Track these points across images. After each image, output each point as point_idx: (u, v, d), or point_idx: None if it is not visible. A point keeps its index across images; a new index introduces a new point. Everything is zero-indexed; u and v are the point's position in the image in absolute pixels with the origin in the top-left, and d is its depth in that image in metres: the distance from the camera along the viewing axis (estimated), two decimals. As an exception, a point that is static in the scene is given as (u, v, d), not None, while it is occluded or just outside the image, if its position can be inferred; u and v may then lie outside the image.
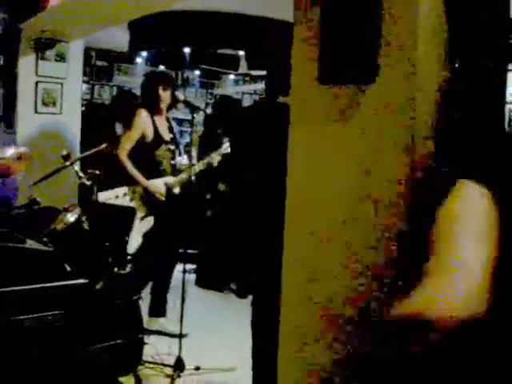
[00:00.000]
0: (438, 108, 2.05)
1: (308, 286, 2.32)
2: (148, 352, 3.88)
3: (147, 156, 4.68)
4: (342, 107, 2.20)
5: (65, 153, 4.16)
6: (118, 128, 6.27)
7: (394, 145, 2.01)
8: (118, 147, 4.58)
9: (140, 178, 4.61)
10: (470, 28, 2.11)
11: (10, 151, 4.34)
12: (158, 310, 4.75)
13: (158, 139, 4.74)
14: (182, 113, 9.69)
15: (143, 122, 4.66)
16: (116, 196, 4.47)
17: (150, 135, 4.68)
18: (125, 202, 4.49)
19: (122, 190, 4.52)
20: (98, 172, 4.24)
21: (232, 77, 10.91)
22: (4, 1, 6.20)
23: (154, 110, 4.74)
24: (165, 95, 4.76)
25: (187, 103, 4.28)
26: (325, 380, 2.24)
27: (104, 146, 4.81)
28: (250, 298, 3.54)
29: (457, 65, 2.11)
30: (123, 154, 4.59)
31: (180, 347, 3.78)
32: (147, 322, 4.39)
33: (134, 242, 4.38)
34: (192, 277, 6.28)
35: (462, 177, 1.23)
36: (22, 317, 2.27)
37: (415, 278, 1.18)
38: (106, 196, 4.36)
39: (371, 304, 2.08)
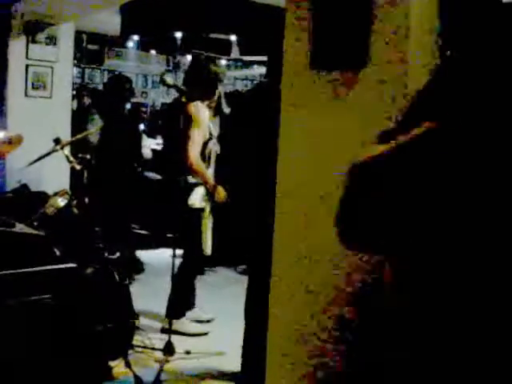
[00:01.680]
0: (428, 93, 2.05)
1: (299, 267, 2.33)
2: (138, 336, 3.90)
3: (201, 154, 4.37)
4: (334, 92, 2.19)
5: (55, 137, 4.14)
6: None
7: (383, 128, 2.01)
8: (188, 156, 4.19)
9: (211, 180, 4.33)
10: (461, 15, 2.10)
11: (0, 134, 4.33)
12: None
13: (210, 134, 4.44)
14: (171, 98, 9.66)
15: (206, 117, 4.35)
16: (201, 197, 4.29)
17: (207, 131, 4.39)
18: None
19: (200, 191, 4.35)
20: (88, 156, 4.24)
21: (224, 62, 10.86)
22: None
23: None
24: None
25: (177, 87, 4.25)
26: (316, 365, 2.25)
27: (94, 130, 4.80)
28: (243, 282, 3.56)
29: (448, 52, 2.11)
30: (197, 161, 4.25)
31: (170, 331, 3.79)
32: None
33: (209, 240, 4.29)
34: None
35: None
36: (11, 300, 2.27)
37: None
38: (198, 199, 4.21)
39: (366, 284, 2.09)
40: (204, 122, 4.32)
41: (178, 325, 4.34)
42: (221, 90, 4.67)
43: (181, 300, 4.51)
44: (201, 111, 4.31)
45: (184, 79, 4.75)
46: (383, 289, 1.60)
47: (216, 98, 4.63)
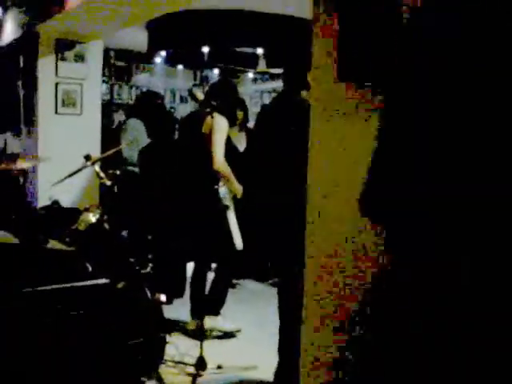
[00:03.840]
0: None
1: (330, 264, 2.32)
2: (170, 351, 3.90)
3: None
4: (361, 104, 2.18)
5: (86, 153, 4.18)
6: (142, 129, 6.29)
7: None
8: (214, 158, 4.39)
9: (235, 181, 4.54)
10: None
11: (18, 164, 4.39)
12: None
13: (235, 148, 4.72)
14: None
15: (226, 126, 4.54)
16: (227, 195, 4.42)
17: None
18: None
19: (225, 189, 4.46)
20: (118, 172, 4.26)
21: (251, 75, 10.90)
22: (23, 2, 6.26)
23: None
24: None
25: (207, 102, 4.27)
26: (341, 358, 2.23)
27: (123, 146, 4.84)
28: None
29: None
30: (223, 163, 4.44)
31: (201, 346, 3.78)
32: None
33: (238, 234, 4.35)
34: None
35: None
36: (43, 316, 2.29)
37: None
38: (227, 196, 4.33)
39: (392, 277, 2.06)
40: (225, 129, 4.48)
41: (212, 323, 4.52)
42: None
43: (218, 297, 4.68)
44: (221, 120, 4.47)
45: (210, 97, 4.83)
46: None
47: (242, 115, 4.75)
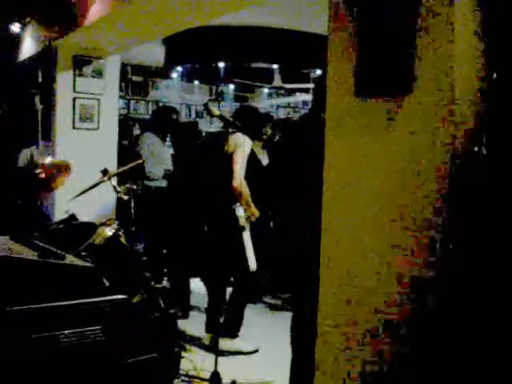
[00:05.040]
0: (476, 119, 2.03)
1: (344, 286, 2.31)
2: (184, 366, 3.90)
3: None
4: (379, 119, 2.19)
5: (103, 168, 4.21)
6: (158, 143, 6.33)
7: (431, 157, 2.00)
8: (235, 178, 4.46)
9: (252, 204, 4.60)
10: (507, 40, 2.08)
11: (48, 160, 4.42)
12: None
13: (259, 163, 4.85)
14: (216, 127, 9.76)
15: (249, 147, 4.63)
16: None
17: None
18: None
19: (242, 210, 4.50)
20: (134, 187, 4.29)
21: (266, 90, 10.93)
22: (42, 18, 6.33)
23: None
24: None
25: (222, 118, 4.29)
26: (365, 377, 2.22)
27: (141, 161, 4.87)
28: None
29: (494, 76, 2.09)
30: (243, 184, 4.50)
31: (216, 361, 3.78)
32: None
33: (252, 256, 4.38)
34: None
35: None
36: (60, 332, 2.30)
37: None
38: (243, 216, 4.37)
39: (406, 303, 2.06)
40: (247, 151, 4.56)
41: (229, 345, 4.52)
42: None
43: (234, 319, 4.67)
44: (245, 141, 4.56)
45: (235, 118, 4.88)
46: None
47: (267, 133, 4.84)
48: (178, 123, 6.67)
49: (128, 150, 6.47)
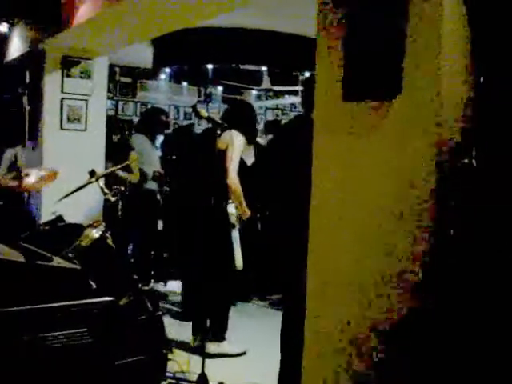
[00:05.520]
0: (462, 121, 2.04)
1: (332, 287, 2.32)
2: (172, 368, 3.89)
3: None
4: (366, 123, 2.20)
5: (90, 169, 4.20)
6: (148, 145, 6.34)
7: (419, 157, 2.01)
8: (228, 175, 4.45)
9: (244, 202, 4.58)
10: (493, 45, 2.10)
11: (33, 176, 4.42)
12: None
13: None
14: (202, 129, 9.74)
15: (242, 144, 4.61)
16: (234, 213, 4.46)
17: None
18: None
19: (233, 207, 4.49)
20: (122, 188, 4.28)
21: (255, 92, 10.93)
22: (30, 18, 6.31)
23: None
24: None
25: (210, 119, 4.29)
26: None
27: (128, 162, 4.86)
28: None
29: (481, 80, 2.10)
30: (236, 181, 4.49)
31: (203, 363, 3.77)
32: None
33: (239, 255, 4.36)
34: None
35: None
36: (47, 334, 2.29)
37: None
38: (234, 213, 4.37)
39: (396, 306, 2.07)
40: (240, 148, 4.55)
41: (217, 349, 4.50)
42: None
43: (220, 321, 4.64)
44: (237, 137, 4.54)
45: (225, 117, 4.85)
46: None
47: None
48: (167, 125, 6.69)
49: (118, 146, 6.43)
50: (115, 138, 6.23)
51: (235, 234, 4.31)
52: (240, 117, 4.75)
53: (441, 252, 1.96)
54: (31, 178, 4.45)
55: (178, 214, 5.72)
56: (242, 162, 4.69)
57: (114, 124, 6.95)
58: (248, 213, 4.60)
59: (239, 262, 4.31)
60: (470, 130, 2.05)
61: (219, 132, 4.21)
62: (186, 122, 10.72)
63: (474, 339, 1.98)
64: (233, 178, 4.46)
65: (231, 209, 4.34)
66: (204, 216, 4.52)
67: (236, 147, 4.49)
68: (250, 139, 4.75)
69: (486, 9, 2.06)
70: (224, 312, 4.68)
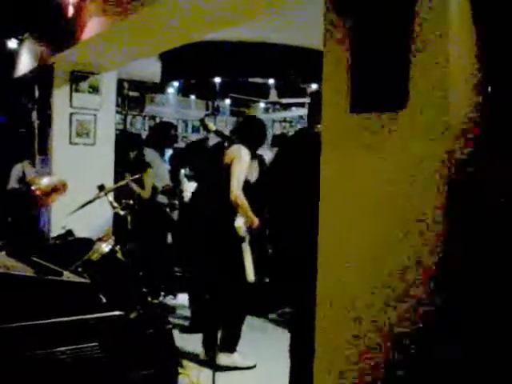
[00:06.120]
0: (470, 132, 2.04)
1: (342, 301, 2.31)
2: (182, 382, 3.87)
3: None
4: (374, 135, 2.20)
5: (99, 183, 4.22)
6: (157, 158, 6.35)
7: (427, 170, 2.01)
8: (233, 191, 4.41)
9: (252, 214, 4.52)
10: (501, 54, 2.10)
11: (45, 181, 4.44)
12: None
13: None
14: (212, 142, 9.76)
15: (248, 159, 4.57)
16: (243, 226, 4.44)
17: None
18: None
19: (242, 220, 4.47)
20: (131, 202, 4.29)
21: (262, 105, 10.96)
22: (39, 34, 6.36)
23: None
24: None
25: (219, 133, 4.32)
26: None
27: (137, 176, 4.88)
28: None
29: (489, 89, 2.10)
30: (241, 196, 4.44)
31: (214, 376, 3.76)
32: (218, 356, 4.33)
33: (251, 268, 4.34)
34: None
35: None
36: (57, 349, 2.29)
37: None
38: (242, 227, 4.35)
39: (404, 318, 2.06)
40: (246, 162, 4.51)
41: (227, 360, 4.48)
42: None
43: (232, 333, 4.63)
44: (242, 151, 4.50)
45: (236, 132, 4.86)
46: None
47: None
48: (175, 138, 6.72)
49: (136, 163, 6.39)
50: (132, 154, 6.15)
51: (245, 247, 4.30)
52: (249, 132, 4.74)
53: (449, 265, 1.95)
54: (43, 180, 4.46)
55: (189, 228, 5.72)
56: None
57: (130, 140, 6.85)
58: (256, 221, 4.54)
59: (251, 275, 4.30)
60: (479, 139, 2.05)
61: (226, 145, 4.22)
62: (194, 136, 10.75)
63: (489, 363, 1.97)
64: (235, 195, 4.41)
65: (239, 222, 4.32)
66: (213, 230, 4.53)
67: (242, 162, 4.47)
68: (252, 154, 4.73)
69: (493, 17, 2.07)
70: (237, 325, 4.67)
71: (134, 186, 5.64)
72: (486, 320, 1.99)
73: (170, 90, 9.87)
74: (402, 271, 2.07)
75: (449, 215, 1.95)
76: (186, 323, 5.66)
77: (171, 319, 5.45)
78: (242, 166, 4.48)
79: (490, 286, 2.01)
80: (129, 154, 6.18)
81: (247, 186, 4.57)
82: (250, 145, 4.54)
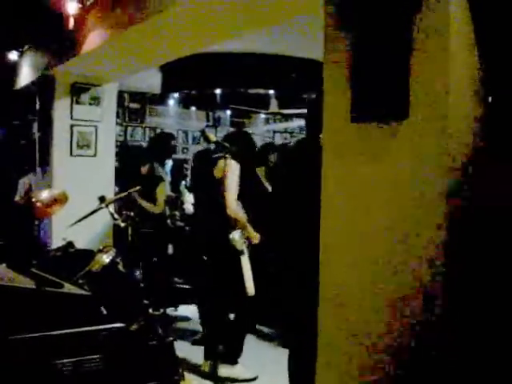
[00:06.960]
0: (471, 142, 2.04)
1: (344, 315, 2.30)
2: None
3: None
4: (375, 145, 2.20)
5: (100, 195, 4.22)
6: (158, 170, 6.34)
7: (430, 179, 2.00)
8: (227, 202, 4.38)
9: (248, 225, 4.52)
10: (502, 63, 2.10)
11: (45, 195, 4.44)
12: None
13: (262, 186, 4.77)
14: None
15: (238, 170, 4.54)
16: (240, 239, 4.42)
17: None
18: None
19: (239, 233, 4.45)
20: (132, 213, 4.29)
21: (263, 116, 10.98)
22: (40, 46, 6.38)
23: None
24: None
25: (219, 144, 4.31)
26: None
27: (138, 187, 4.87)
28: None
29: (490, 99, 2.10)
30: (235, 207, 4.42)
31: (217, 378, 3.74)
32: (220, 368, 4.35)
33: (251, 281, 4.33)
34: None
35: None
36: (58, 361, 2.28)
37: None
38: (239, 240, 4.34)
39: (405, 332, 2.05)
40: (237, 173, 4.47)
41: (229, 372, 4.45)
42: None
43: (234, 345, 4.60)
44: (232, 165, 4.48)
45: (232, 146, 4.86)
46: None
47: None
48: (174, 150, 6.71)
49: (148, 178, 6.30)
50: (144, 170, 6.01)
51: (244, 261, 4.28)
52: (237, 145, 4.71)
53: (450, 267, 1.95)
54: (43, 194, 4.47)
55: (189, 242, 5.71)
56: (263, 189, 4.69)
57: (144, 155, 6.64)
58: (256, 236, 4.55)
59: (251, 288, 4.28)
60: (480, 149, 2.05)
61: (218, 155, 4.21)
62: (194, 147, 10.76)
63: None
64: (233, 209, 4.39)
65: (235, 235, 4.30)
66: (209, 243, 4.52)
67: (233, 175, 4.45)
68: (259, 163, 4.72)
69: (493, 25, 2.07)
70: (239, 337, 4.65)
71: (144, 203, 5.60)
72: (486, 320, 1.98)
73: (171, 102, 9.89)
74: (404, 278, 2.06)
75: (451, 226, 1.95)
76: (188, 334, 5.64)
77: (173, 330, 5.45)
78: (234, 179, 4.46)
79: (490, 287, 2.00)
80: (139, 168, 6.07)
81: (263, 196, 4.56)
82: (237, 158, 4.52)
